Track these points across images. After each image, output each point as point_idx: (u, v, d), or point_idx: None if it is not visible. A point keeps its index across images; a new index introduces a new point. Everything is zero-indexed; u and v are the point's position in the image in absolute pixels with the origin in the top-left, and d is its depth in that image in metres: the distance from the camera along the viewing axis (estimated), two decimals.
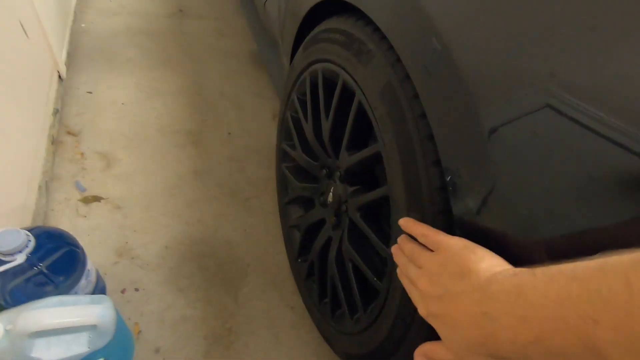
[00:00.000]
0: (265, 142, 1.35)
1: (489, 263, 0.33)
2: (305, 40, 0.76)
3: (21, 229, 0.62)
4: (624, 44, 0.31)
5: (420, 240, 0.41)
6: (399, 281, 0.50)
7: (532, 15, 0.36)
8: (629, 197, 0.30)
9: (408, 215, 0.46)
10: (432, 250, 0.39)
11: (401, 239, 0.45)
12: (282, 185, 0.98)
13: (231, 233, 1.06)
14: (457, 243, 0.37)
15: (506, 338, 0.29)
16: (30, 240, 0.60)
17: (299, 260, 0.90)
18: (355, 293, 0.64)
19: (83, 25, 1.52)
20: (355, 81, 0.57)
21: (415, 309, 0.48)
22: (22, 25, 0.91)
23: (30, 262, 0.60)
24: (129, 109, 1.28)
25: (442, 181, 0.43)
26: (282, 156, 0.95)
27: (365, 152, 0.58)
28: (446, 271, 0.35)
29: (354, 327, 0.65)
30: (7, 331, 0.53)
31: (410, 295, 0.41)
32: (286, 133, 0.92)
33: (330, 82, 0.68)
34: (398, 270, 0.45)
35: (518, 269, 0.31)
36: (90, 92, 1.27)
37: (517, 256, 0.36)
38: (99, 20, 1.60)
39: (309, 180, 0.87)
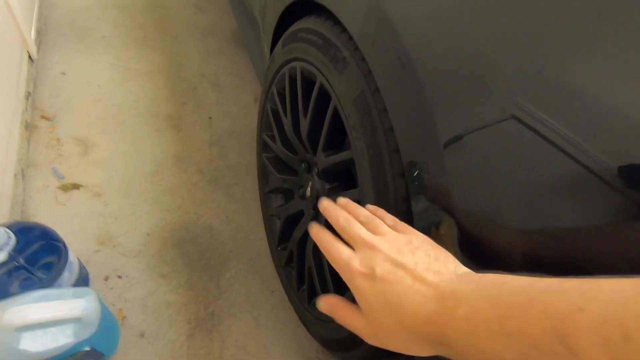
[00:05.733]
0: (246, 126, 1.35)
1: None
2: (284, 35, 0.76)
3: (0, 225, 0.63)
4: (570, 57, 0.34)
5: (389, 223, 0.39)
6: None
7: (493, 39, 0.38)
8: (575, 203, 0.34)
9: None
10: None
11: (347, 201, 0.41)
12: (263, 174, 1.00)
13: (212, 219, 1.09)
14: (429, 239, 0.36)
15: (463, 316, 0.27)
16: (10, 237, 0.61)
17: (279, 248, 0.94)
18: (329, 285, 0.69)
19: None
20: (331, 86, 0.58)
21: None
22: None
23: (12, 259, 0.61)
24: (105, 91, 1.25)
25: (407, 191, 0.46)
26: (263, 146, 0.97)
27: (340, 157, 0.60)
28: (419, 250, 0.34)
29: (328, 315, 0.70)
30: None
31: (337, 251, 0.37)
32: (266, 124, 0.93)
33: (308, 81, 0.69)
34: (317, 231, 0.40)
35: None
36: (64, 73, 1.23)
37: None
38: None
39: (288, 172, 0.89)
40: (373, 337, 0.34)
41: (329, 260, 0.37)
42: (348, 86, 0.53)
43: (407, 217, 0.46)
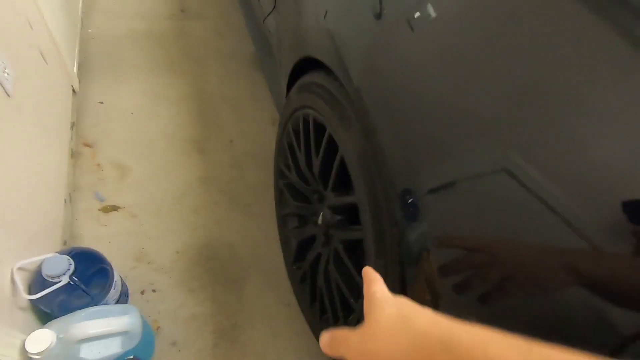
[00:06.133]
0: (264, 147, 1.45)
1: None
2: (299, 82, 0.86)
3: (60, 252, 0.75)
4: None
5: None
6: None
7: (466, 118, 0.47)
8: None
9: (375, 261, 0.59)
10: None
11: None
12: (280, 198, 1.10)
13: (233, 237, 1.20)
14: None
15: (481, 333, 0.27)
16: (71, 264, 0.73)
17: (294, 267, 1.04)
18: (337, 307, 0.78)
19: (90, 30, 1.58)
20: (339, 139, 0.68)
21: None
22: (42, 55, 0.99)
23: (71, 281, 0.73)
24: (138, 118, 1.38)
25: (400, 238, 0.55)
26: (280, 174, 1.07)
27: (346, 199, 0.70)
28: None
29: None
30: (59, 339, 0.67)
31: (377, 278, 0.38)
32: (283, 155, 1.03)
33: (320, 126, 0.79)
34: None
35: None
36: (102, 103, 1.37)
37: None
38: (104, 23, 1.66)
39: (302, 200, 0.99)
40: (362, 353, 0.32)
41: (364, 288, 0.38)
42: (352, 143, 0.63)
43: (400, 256, 0.55)
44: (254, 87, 1.63)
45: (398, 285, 0.56)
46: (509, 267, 0.45)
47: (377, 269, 0.58)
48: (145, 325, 0.81)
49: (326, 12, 0.74)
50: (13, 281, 0.68)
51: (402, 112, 0.53)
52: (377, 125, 0.57)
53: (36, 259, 0.72)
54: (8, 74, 0.76)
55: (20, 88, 0.81)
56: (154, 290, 1.02)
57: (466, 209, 0.47)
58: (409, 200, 0.52)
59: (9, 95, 0.76)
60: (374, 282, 0.38)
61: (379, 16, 0.59)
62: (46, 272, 0.70)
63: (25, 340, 0.66)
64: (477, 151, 0.46)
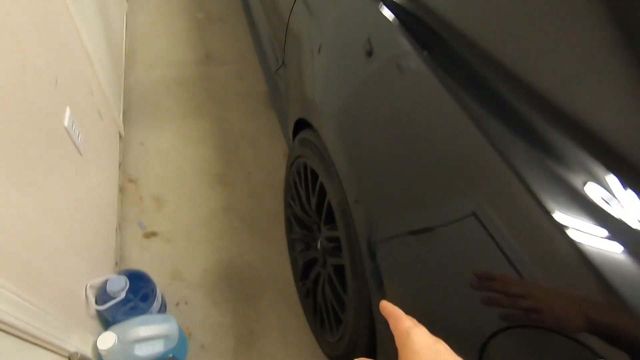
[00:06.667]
0: (277, 178, 1.67)
1: None
2: (300, 135, 1.07)
3: (118, 272, 0.98)
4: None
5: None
6: (353, 316, 0.83)
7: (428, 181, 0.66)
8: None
9: (352, 283, 0.78)
10: None
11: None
12: (288, 225, 1.31)
13: (251, 258, 1.41)
14: None
15: None
16: (127, 282, 0.96)
17: (300, 283, 1.24)
18: (331, 318, 0.97)
19: (130, 80, 1.87)
20: (326, 187, 0.88)
21: (359, 336, 0.80)
22: (99, 114, 1.26)
23: (127, 296, 0.96)
24: (172, 156, 1.63)
25: (371, 267, 0.74)
26: (288, 205, 1.28)
27: (333, 233, 0.90)
28: None
29: (331, 338, 0.99)
30: (119, 340, 0.90)
31: (404, 319, 0.41)
32: (289, 190, 1.24)
33: (315, 172, 1.00)
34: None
35: None
36: (142, 144, 1.63)
37: None
38: (142, 73, 1.95)
39: (305, 228, 1.19)
40: None
41: (391, 323, 0.41)
42: (335, 193, 0.83)
43: (367, 281, 0.74)
44: (268, 124, 1.86)
45: (367, 302, 0.74)
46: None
47: (353, 289, 0.78)
48: (180, 331, 1.03)
49: (320, 46, 0.93)
50: (86, 296, 0.91)
51: (365, 178, 0.73)
52: (347, 184, 0.77)
53: (102, 279, 0.95)
54: (80, 138, 1.01)
55: (87, 146, 1.07)
56: (186, 303, 1.25)
57: (411, 254, 0.65)
58: (371, 242, 0.71)
59: (81, 155, 1.01)
60: (401, 319, 0.41)
61: (370, 53, 0.76)
62: (109, 288, 0.93)
63: (95, 340, 0.89)
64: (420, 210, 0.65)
